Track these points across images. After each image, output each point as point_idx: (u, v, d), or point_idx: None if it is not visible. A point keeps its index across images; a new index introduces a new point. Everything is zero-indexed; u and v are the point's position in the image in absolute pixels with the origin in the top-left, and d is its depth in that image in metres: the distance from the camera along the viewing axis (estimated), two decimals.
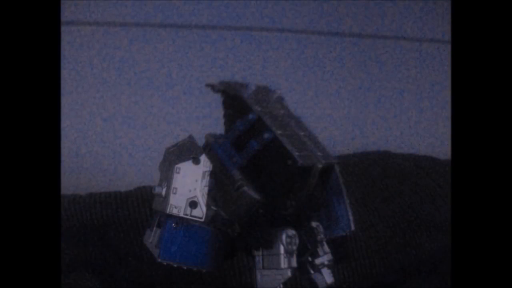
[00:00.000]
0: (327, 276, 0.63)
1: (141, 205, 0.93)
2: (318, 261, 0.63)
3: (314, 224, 0.63)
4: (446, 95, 0.77)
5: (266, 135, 0.60)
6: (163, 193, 0.61)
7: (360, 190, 1.05)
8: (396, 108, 1.34)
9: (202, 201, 0.61)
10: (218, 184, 0.61)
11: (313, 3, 1.26)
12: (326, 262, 0.63)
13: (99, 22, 1.09)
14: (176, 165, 0.61)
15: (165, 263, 0.61)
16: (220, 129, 0.65)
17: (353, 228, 0.64)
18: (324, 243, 0.64)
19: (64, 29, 0.67)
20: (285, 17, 1.25)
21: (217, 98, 0.65)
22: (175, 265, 0.61)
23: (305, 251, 0.62)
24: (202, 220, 0.61)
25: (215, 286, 0.88)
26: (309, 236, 0.62)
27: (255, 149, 0.60)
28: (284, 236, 0.60)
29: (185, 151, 0.62)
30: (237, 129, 0.62)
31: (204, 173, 0.62)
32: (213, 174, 0.62)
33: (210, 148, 0.63)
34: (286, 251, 0.60)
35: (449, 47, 0.66)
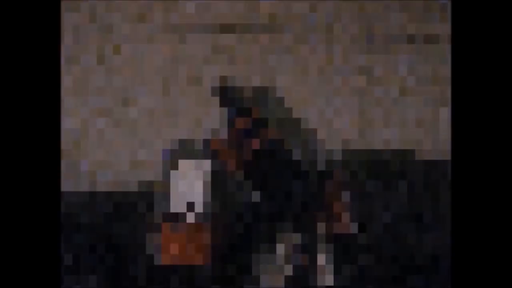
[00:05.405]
0: (327, 276, 0.63)
1: (141, 205, 0.93)
2: (318, 261, 0.63)
3: (314, 224, 0.63)
4: (446, 95, 0.77)
5: (266, 135, 0.59)
6: (163, 193, 0.61)
7: (360, 190, 1.05)
8: (396, 108, 1.34)
9: (202, 201, 0.61)
10: (218, 184, 0.61)
11: (313, 2, 1.26)
12: (326, 262, 0.63)
13: (99, 21, 1.09)
14: (177, 165, 0.61)
15: (165, 264, 0.60)
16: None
17: (352, 230, 0.64)
18: (324, 243, 0.64)
19: (64, 28, 0.67)
20: (285, 17, 1.24)
21: (217, 98, 0.65)
22: (175, 265, 0.61)
23: (304, 251, 0.62)
24: (202, 220, 0.61)
25: (216, 286, 0.88)
26: (309, 236, 0.62)
27: (255, 149, 0.60)
28: (284, 236, 0.60)
29: (186, 151, 0.62)
30: (236, 128, 0.62)
31: (204, 173, 0.62)
32: (213, 174, 0.62)
33: (210, 147, 0.63)
34: (286, 251, 0.60)
35: (449, 47, 0.66)
